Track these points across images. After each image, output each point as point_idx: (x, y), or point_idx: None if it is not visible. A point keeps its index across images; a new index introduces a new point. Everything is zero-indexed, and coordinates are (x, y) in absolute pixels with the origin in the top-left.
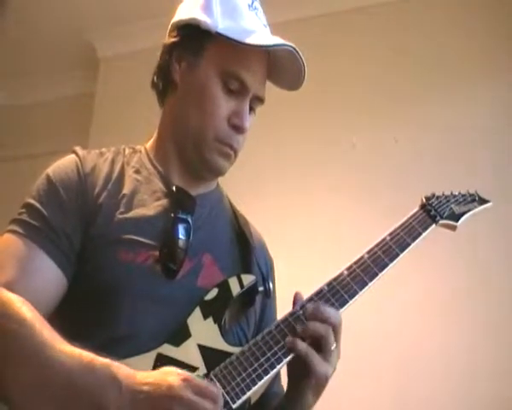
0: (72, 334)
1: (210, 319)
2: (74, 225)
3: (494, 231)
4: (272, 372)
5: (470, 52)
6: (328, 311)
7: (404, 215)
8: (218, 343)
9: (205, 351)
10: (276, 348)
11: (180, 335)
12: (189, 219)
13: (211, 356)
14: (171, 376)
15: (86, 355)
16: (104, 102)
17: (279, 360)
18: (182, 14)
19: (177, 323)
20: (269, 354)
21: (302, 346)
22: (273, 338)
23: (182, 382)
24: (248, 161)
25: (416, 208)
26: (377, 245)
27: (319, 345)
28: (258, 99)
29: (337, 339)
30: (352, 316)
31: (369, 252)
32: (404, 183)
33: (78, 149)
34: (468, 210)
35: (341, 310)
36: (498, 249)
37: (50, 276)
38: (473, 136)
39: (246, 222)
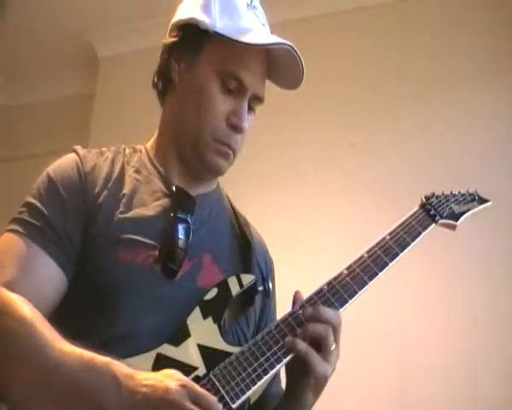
0: (73, 333)
1: (209, 319)
2: (74, 225)
3: (494, 231)
4: (272, 372)
5: (470, 52)
6: (328, 311)
7: (403, 215)
8: (218, 343)
9: (204, 351)
10: (275, 348)
11: (180, 335)
12: (189, 219)
13: (210, 356)
14: (169, 379)
15: (86, 354)
16: (104, 102)
17: (279, 360)
18: (181, 13)
19: (177, 323)
20: (268, 354)
21: (302, 346)
22: (273, 338)
23: (180, 387)
24: (248, 161)
25: (416, 208)
26: (377, 244)
27: (319, 345)
28: (258, 98)
29: (336, 339)
30: (352, 316)
31: (368, 251)
32: (404, 182)
33: (78, 148)
34: (468, 209)
35: (341, 310)
36: (499, 250)
37: (51, 275)
38: (473, 136)
39: (246, 222)
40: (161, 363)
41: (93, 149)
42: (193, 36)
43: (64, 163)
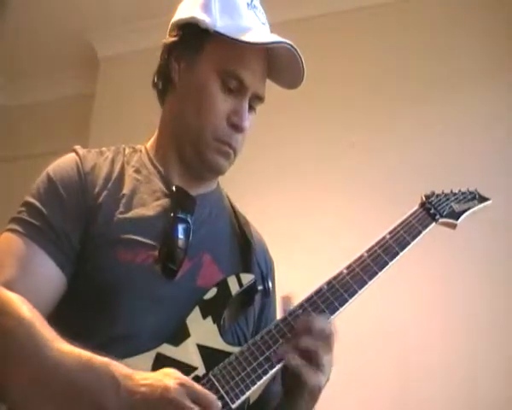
0: (72, 333)
1: (209, 319)
2: (74, 224)
3: (494, 231)
4: (271, 373)
5: (470, 52)
6: (318, 324)
7: (403, 215)
8: (217, 343)
9: (204, 351)
10: (275, 349)
11: (179, 334)
12: (189, 219)
13: (210, 356)
14: (168, 378)
15: (85, 354)
16: (104, 102)
17: (279, 361)
18: (181, 13)
19: (177, 323)
20: (268, 355)
21: (294, 358)
22: (272, 338)
23: (179, 386)
24: (248, 161)
25: (416, 207)
26: (377, 244)
27: (310, 358)
28: (258, 97)
29: (328, 350)
30: (352, 316)
31: (368, 251)
32: (404, 182)
33: (78, 147)
34: (468, 208)
35: (341, 309)
36: (499, 250)
37: (50, 275)
38: (473, 136)
39: (246, 222)
40: (161, 363)
41: (93, 149)
42: (193, 35)
43: (64, 163)
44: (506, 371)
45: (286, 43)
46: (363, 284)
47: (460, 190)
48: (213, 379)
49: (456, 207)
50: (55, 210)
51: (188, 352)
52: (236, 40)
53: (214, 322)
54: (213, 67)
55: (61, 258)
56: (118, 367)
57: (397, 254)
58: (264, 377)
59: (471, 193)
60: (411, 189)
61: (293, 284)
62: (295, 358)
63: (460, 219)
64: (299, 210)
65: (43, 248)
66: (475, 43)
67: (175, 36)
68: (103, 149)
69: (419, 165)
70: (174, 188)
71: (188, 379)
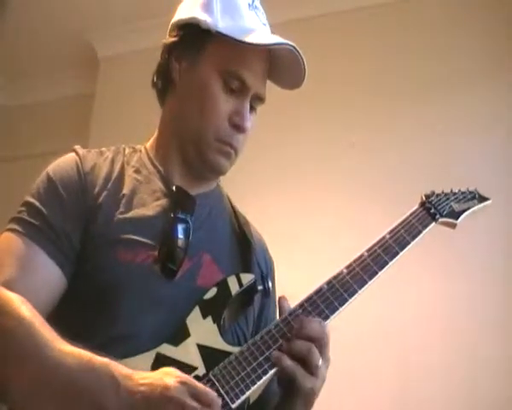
0: (72, 333)
1: (209, 319)
2: (74, 224)
3: (494, 232)
4: (271, 373)
5: (470, 52)
6: (311, 328)
7: (403, 214)
8: (217, 343)
9: (204, 350)
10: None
11: (179, 334)
12: (189, 219)
13: (210, 356)
14: (168, 377)
15: (85, 355)
16: (104, 102)
17: (273, 366)
18: (182, 13)
19: (177, 322)
20: (268, 355)
21: (287, 363)
22: (272, 338)
23: (179, 384)
24: (248, 161)
25: (416, 206)
26: (377, 243)
27: (303, 362)
28: (259, 98)
29: (323, 352)
30: (353, 316)
31: (368, 250)
32: (404, 182)
33: (78, 147)
34: (468, 208)
35: (341, 309)
36: (499, 250)
37: (49, 275)
38: (473, 136)
39: (246, 222)
40: (161, 363)
41: (93, 149)
42: (194, 35)
43: (64, 163)
44: (506, 371)
45: (289, 44)
46: (363, 283)
47: (460, 190)
48: (213, 379)
49: (456, 206)
50: (55, 210)
51: (188, 352)
52: (240, 41)
53: (214, 322)
54: (215, 68)
55: (61, 258)
56: (118, 367)
57: (397, 253)
58: (264, 378)
59: (471, 193)
60: (411, 189)
61: (293, 284)
62: (288, 362)
63: (460, 219)
64: (299, 210)
65: (42, 248)
66: (475, 43)
67: (175, 36)
68: (103, 149)
69: (419, 165)
70: (174, 188)
71: (188, 377)
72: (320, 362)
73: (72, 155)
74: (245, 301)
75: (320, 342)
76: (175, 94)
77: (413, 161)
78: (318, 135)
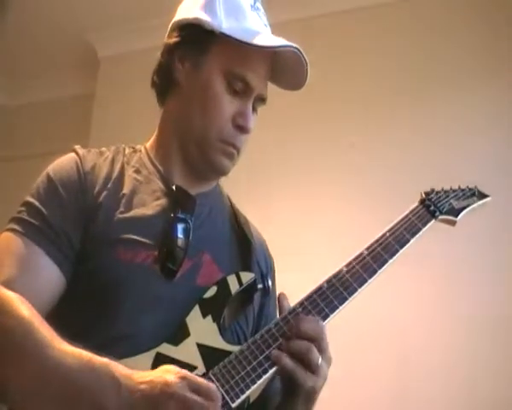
0: (71, 333)
1: (209, 318)
2: (74, 224)
3: (494, 232)
4: (271, 372)
5: (470, 52)
6: (308, 328)
7: (403, 213)
8: (217, 342)
9: (204, 350)
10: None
11: (179, 334)
12: (189, 219)
13: (210, 355)
14: (168, 374)
15: (85, 354)
16: (104, 102)
17: (273, 365)
18: (183, 13)
19: (176, 322)
20: (268, 353)
21: (287, 362)
22: (272, 337)
23: (179, 379)
24: (248, 161)
25: (416, 204)
26: (377, 241)
27: (303, 361)
28: (261, 99)
29: (322, 351)
30: (353, 315)
31: (368, 248)
32: (404, 182)
33: (77, 147)
34: (468, 205)
35: (340, 308)
36: (499, 250)
37: (49, 275)
38: (473, 136)
39: (246, 221)
40: (161, 362)
41: (93, 149)
42: (197, 36)
43: (64, 163)
44: (507, 371)
45: (293, 46)
46: (362, 282)
47: (459, 187)
48: (213, 378)
49: (456, 203)
50: (55, 210)
51: (187, 351)
52: (247, 43)
53: (214, 321)
54: (219, 69)
55: (61, 258)
56: (118, 367)
57: (396, 251)
58: (264, 377)
59: (470, 190)
60: (411, 189)
61: (293, 283)
62: (288, 361)
63: (459, 216)
64: (299, 210)
65: (42, 248)
66: (475, 43)
67: (177, 36)
68: (103, 149)
69: (419, 165)
70: (174, 187)
71: (187, 372)
72: (320, 361)
73: (72, 155)
74: (245, 300)
75: (319, 341)
76: (177, 94)
77: (413, 161)
78: (318, 135)
